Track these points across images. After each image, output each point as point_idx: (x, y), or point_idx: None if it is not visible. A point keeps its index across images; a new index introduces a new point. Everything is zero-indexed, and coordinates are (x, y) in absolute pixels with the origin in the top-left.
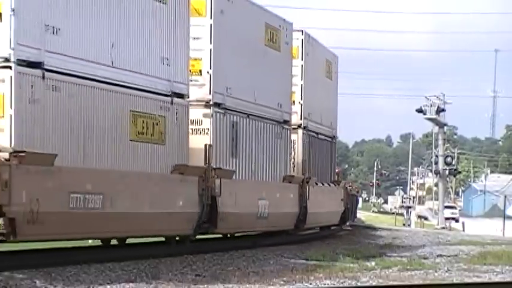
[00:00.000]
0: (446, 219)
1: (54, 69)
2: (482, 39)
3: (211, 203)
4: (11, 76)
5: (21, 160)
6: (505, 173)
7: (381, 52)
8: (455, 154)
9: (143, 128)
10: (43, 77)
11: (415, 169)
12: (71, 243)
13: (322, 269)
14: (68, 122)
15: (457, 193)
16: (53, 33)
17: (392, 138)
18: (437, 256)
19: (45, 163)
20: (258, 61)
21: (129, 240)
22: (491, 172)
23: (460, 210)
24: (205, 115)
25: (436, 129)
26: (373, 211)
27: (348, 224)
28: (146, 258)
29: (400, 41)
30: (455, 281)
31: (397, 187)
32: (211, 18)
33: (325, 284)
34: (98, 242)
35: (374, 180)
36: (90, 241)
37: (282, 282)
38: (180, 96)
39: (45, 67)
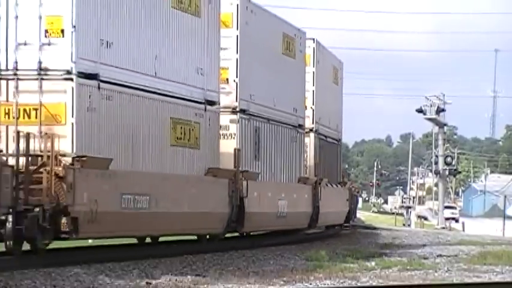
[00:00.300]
0: (446, 219)
1: (108, 80)
2: (482, 39)
3: (239, 203)
4: (72, 87)
5: (83, 164)
6: (505, 173)
7: (380, 52)
8: (455, 154)
9: (181, 133)
10: (98, 88)
11: (415, 169)
12: (71, 243)
13: (322, 269)
14: (118, 129)
15: (457, 193)
16: (107, 47)
17: (392, 138)
18: (437, 256)
19: (102, 167)
20: (276, 69)
21: (128, 240)
22: (491, 172)
23: (460, 211)
24: (232, 121)
25: (436, 129)
26: (373, 211)
27: (349, 224)
28: (146, 258)
29: (400, 41)
30: (455, 281)
31: (397, 187)
32: (237, 29)
33: (325, 284)
34: (98, 242)
35: (374, 180)
36: (90, 241)
37: (282, 282)
38: (212, 103)
39: (101, 78)
